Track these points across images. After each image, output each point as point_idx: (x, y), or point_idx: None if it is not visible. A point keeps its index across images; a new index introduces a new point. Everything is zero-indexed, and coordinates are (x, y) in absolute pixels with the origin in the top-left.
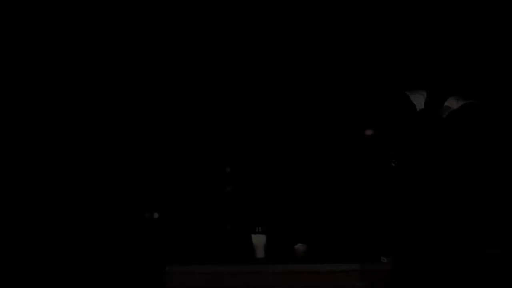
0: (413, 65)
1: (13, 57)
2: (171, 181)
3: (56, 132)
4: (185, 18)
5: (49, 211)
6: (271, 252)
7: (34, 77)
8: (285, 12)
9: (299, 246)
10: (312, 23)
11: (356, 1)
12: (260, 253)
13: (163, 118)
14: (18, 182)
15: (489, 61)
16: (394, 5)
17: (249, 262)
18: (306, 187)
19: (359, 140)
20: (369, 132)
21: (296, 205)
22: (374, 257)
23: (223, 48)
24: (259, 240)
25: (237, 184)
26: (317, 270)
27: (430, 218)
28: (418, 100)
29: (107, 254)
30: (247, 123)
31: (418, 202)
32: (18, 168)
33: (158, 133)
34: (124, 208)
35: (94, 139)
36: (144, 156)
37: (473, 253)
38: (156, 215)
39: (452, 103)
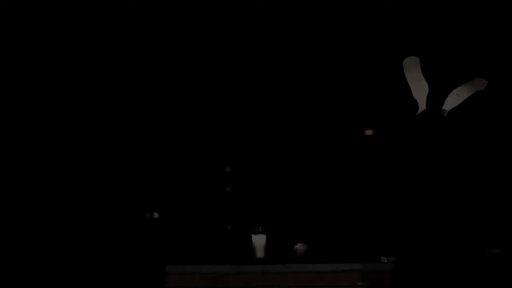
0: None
1: (13, 57)
2: (171, 181)
3: (56, 132)
4: (185, 18)
5: (49, 211)
6: (271, 252)
7: (34, 77)
8: (285, 12)
9: (299, 246)
10: (312, 23)
11: (356, 1)
12: (260, 253)
13: (163, 118)
14: (18, 182)
15: (489, 61)
16: (394, 5)
17: (249, 262)
18: (306, 187)
19: (359, 140)
20: (369, 132)
21: (296, 205)
22: (374, 257)
23: (223, 48)
24: (259, 240)
25: (237, 184)
26: (317, 270)
27: (430, 218)
28: (421, 97)
29: (107, 254)
30: (247, 123)
31: (419, 202)
32: (18, 168)
33: (158, 133)
34: (124, 208)
35: (94, 139)
36: (144, 156)
37: (473, 253)
38: (156, 215)
39: (453, 100)
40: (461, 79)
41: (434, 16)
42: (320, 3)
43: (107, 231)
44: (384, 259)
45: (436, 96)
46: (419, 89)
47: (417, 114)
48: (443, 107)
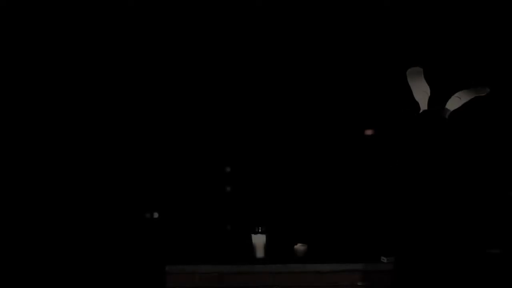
0: (413, 65)
1: (13, 57)
2: (171, 181)
3: (56, 132)
4: (185, 18)
5: (49, 211)
6: (271, 252)
7: (34, 77)
8: (285, 12)
9: (299, 246)
10: (312, 23)
11: (356, 1)
12: (260, 253)
13: (163, 118)
14: (18, 182)
15: (489, 61)
16: (394, 5)
17: (249, 262)
18: (306, 187)
19: (359, 140)
20: (369, 132)
21: (296, 205)
22: (374, 257)
23: (223, 48)
24: (259, 240)
25: (237, 184)
26: (317, 270)
27: (430, 218)
28: (422, 96)
29: (107, 254)
30: (247, 123)
31: (419, 202)
32: (18, 168)
33: (158, 133)
34: (124, 208)
35: (94, 139)
36: (144, 156)
37: (473, 253)
38: (156, 215)
39: (455, 102)
40: (461, 79)
41: (434, 16)
42: (320, 3)
43: (107, 231)
44: (384, 259)
45: (438, 97)
46: (421, 91)
47: (418, 113)
48: (446, 107)
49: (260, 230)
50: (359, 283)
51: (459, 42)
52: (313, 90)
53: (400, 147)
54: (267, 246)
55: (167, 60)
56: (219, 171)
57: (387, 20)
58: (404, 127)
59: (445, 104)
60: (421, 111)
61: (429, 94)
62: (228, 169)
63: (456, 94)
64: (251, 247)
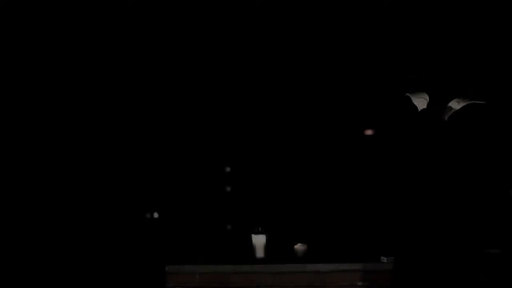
0: (413, 65)
1: (13, 57)
2: (171, 181)
3: (56, 132)
4: (185, 18)
5: (49, 211)
6: (271, 252)
7: (34, 77)
8: (285, 12)
9: (299, 246)
10: (312, 23)
11: (356, 1)
12: (260, 253)
13: (163, 118)
14: (18, 182)
15: (489, 61)
16: (394, 5)
17: (249, 262)
18: (306, 187)
19: (359, 140)
20: (369, 132)
21: (296, 205)
22: (374, 257)
23: (223, 48)
24: (259, 240)
25: (237, 184)
26: (317, 270)
27: (430, 218)
28: (420, 102)
29: (107, 254)
30: (247, 123)
31: (419, 202)
32: (18, 168)
33: (158, 133)
34: (124, 208)
35: (94, 139)
36: (144, 156)
37: (473, 253)
38: (156, 215)
39: (454, 105)
40: (461, 79)
41: (434, 16)
42: (320, 3)
43: (107, 231)
44: (384, 259)
45: (438, 97)
46: (419, 97)
47: (418, 115)
48: (445, 109)
49: (260, 230)
50: (359, 283)
51: (459, 42)
52: (313, 90)
53: (400, 147)
54: (267, 246)
55: (167, 60)
56: (219, 171)
57: (387, 21)
58: (404, 127)
59: (444, 105)
60: (419, 110)
61: (427, 100)
62: (228, 169)
63: (456, 99)
64: (251, 247)
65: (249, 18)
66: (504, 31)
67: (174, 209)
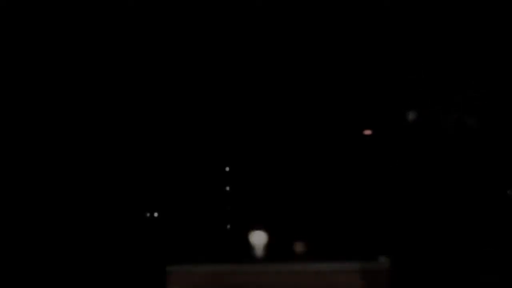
0: (413, 65)
1: (13, 57)
2: (171, 181)
3: (56, 132)
4: (185, 18)
5: (49, 211)
6: (271, 251)
7: (34, 77)
8: (285, 12)
9: (299, 246)
10: (312, 23)
11: (356, 1)
12: (259, 253)
13: (163, 118)
14: (18, 182)
15: (489, 61)
16: (394, 5)
17: (248, 262)
18: (306, 187)
19: (358, 140)
20: (368, 132)
21: (296, 205)
22: (373, 257)
23: (223, 48)
24: (259, 239)
25: (237, 184)
26: (317, 269)
27: (429, 218)
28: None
29: (108, 254)
30: (247, 123)
31: (417, 202)
32: (18, 168)
33: (158, 133)
34: (124, 208)
35: (95, 140)
36: (144, 157)
37: (472, 252)
38: (156, 215)
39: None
40: (460, 79)
41: (434, 16)
42: (320, 3)
43: (107, 231)
44: (383, 258)
45: (437, 97)
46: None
47: (418, 115)
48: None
49: (260, 230)
50: (358, 282)
51: (459, 42)
52: (313, 90)
53: (399, 147)
54: (267, 246)
55: (167, 60)
56: (219, 171)
57: (387, 21)
58: (403, 127)
59: (444, 103)
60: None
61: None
62: (228, 169)
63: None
64: (251, 247)
65: (249, 18)
66: (504, 31)
67: (174, 209)
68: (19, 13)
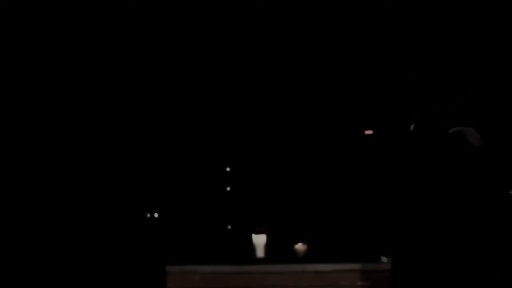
0: (413, 65)
1: (13, 57)
2: (171, 181)
3: (56, 132)
4: (185, 18)
5: (49, 212)
6: (271, 252)
7: (34, 77)
8: (285, 12)
9: (299, 246)
10: (312, 23)
11: (356, 1)
12: (260, 253)
13: (163, 118)
14: (18, 182)
15: (489, 61)
16: (394, 5)
17: (249, 262)
18: (306, 187)
19: (359, 141)
20: (369, 132)
21: (296, 205)
22: (374, 257)
23: (223, 48)
24: (259, 240)
25: (237, 184)
26: (317, 270)
27: (430, 218)
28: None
29: (108, 254)
30: (247, 123)
31: (418, 202)
32: (18, 168)
33: (158, 133)
34: (124, 208)
35: (94, 139)
36: (144, 157)
37: (472, 253)
38: (156, 215)
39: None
40: (460, 79)
41: (434, 16)
42: (320, 3)
43: (107, 231)
44: (384, 259)
45: (437, 97)
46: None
47: (418, 116)
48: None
49: (260, 230)
50: (359, 283)
51: (459, 42)
52: (313, 90)
53: (400, 146)
54: (268, 246)
55: (167, 60)
56: (219, 171)
57: (387, 21)
58: (403, 127)
59: (444, 102)
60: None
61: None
62: (228, 169)
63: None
64: (251, 247)
65: (249, 18)
66: (504, 31)
67: (174, 209)
68: (19, 13)
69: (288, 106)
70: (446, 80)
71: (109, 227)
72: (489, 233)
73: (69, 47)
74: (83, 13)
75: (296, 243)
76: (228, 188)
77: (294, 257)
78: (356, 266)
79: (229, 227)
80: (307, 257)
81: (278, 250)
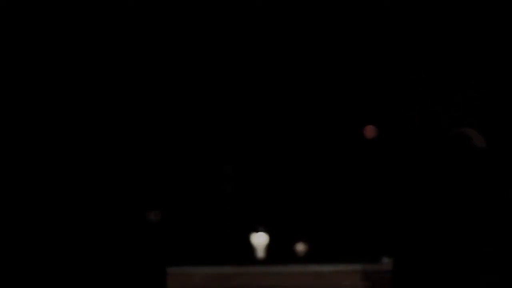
0: (413, 65)
1: (13, 57)
2: (172, 182)
3: (56, 132)
4: (185, 18)
5: (49, 212)
6: (272, 252)
7: (34, 77)
8: (285, 12)
9: (299, 247)
10: (312, 23)
11: (356, 1)
12: (260, 254)
13: (163, 118)
14: (18, 182)
15: (488, 61)
16: (394, 5)
17: (249, 263)
18: (306, 187)
19: (359, 141)
20: (369, 132)
21: (296, 205)
22: (375, 258)
23: (223, 48)
24: (259, 240)
25: (237, 184)
26: (318, 270)
27: (430, 219)
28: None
29: (108, 255)
30: (247, 123)
31: (419, 203)
32: (18, 168)
33: (158, 133)
34: (124, 209)
35: (95, 139)
36: (144, 157)
37: (472, 253)
38: (156, 216)
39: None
40: (460, 79)
41: (434, 16)
42: (320, 3)
43: (107, 232)
44: (385, 259)
45: (437, 97)
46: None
47: (417, 116)
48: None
49: (260, 230)
50: (360, 284)
51: (459, 42)
52: (313, 90)
53: (401, 148)
54: (268, 247)
55: (167, 60)
56: (219, 171)
57: (387, 21)
58: (403, 127)
59: (444, 102)
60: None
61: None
62: (228, 169)
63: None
64: (251, 247)
65: (249, 18)
66: (504, 31)
67: (174, 209)
68: (19, 13)
69: (289, 106)
70: (446, 80)
71: (109, 228)
72: (489, 233)
73: (69, 47)
74: (83, 13)
75: (297, 244)
76: (228, 188)
77: (295, 258)
78: (357, 266)
79: (230, 228)
80: (308, 258)
81: (278, 251)
